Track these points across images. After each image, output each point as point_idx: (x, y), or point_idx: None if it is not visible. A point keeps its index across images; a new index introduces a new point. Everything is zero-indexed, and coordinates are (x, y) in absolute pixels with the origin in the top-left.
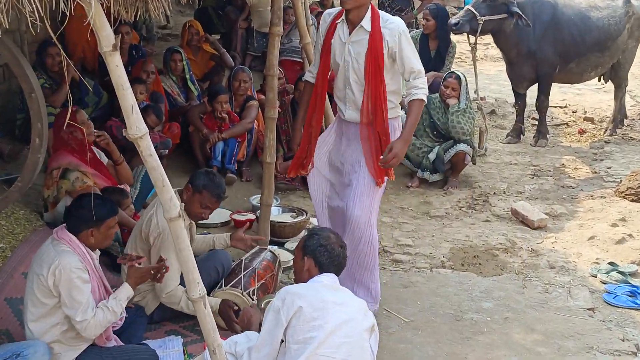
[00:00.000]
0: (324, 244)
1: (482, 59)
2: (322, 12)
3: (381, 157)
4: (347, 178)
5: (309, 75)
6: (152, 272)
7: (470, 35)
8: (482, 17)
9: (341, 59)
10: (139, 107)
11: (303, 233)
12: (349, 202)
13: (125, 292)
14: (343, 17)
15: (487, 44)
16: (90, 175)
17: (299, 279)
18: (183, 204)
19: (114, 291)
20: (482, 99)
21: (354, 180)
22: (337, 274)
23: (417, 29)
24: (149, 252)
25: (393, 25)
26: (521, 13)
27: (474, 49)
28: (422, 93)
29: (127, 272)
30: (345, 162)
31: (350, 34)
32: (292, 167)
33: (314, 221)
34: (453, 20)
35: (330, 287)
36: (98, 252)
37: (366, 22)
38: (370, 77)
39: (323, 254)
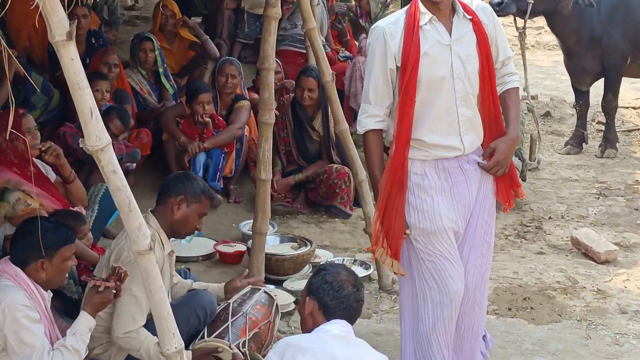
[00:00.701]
0: (329, 280)
1: (533, 47)
2: None
3: (482, 161)
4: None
5: (374, 121)
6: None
7: (517, 18)
8: None
9: (446, 71)
10: (100, 110)
11: (307, 269)
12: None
13: (85, 322)
14: (428, 14)
15: (539, 29)
16: (35, 196)
17: (303, 328)
18: (155, 233)
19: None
20: (533, 97)
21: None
22: (351, 321)
23: None
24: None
25: (479, 3)
26: None
27: (522, 35)
28: (517, 79)
29: (85, 297)
30: (462, 217)
31: (450, 32)
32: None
33: (320, 253)
34: None
35: (342, 339)
36: (50, 293)
37: (459, 8)
38: (485, 76)
39: (328, 293)
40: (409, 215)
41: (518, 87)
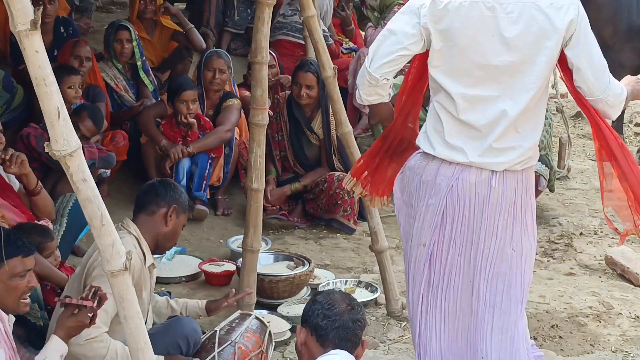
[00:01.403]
0: (320, 300)
1: None
2: None
3: None
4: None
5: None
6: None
7: None
8: None
9: (486, 36)
10: (70, 109)
11: (305, 292)
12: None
13: (56, 348)
14: None
15: None
16: None
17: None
18: (136, 243)
19: None
20: (562, 96)
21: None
22: (349, 346)
23: None
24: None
25: None
26: None
27: None
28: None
29: (59, 319)
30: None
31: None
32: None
33: (320, 274)
34: None
35: None
36: (12, 317)
37: None
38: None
39: (318, 313)
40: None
41: (625, 93)
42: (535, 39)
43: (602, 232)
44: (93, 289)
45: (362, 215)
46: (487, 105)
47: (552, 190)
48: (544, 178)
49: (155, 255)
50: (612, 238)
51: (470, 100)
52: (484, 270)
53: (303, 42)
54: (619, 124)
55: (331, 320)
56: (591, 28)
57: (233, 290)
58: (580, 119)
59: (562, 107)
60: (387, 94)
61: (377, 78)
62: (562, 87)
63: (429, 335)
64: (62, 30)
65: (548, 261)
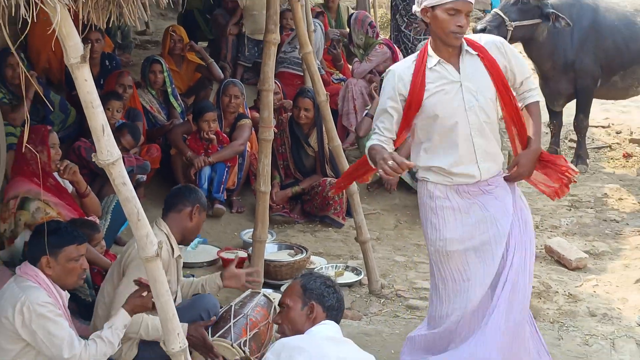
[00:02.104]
0: (312, 286)
1: None
2: (323, 13)
3: (507, 173)
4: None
5: (378, 141)
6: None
7: None
8: (512, 23)
9: (459, 105)
10: (113, 127)
11: None
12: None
13: (122, 319)
14: (436, 57)
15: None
16: (53, 205)
17: (294, 329)
18: (166, 238)
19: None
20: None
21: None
22: (337, 319)
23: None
24: None
25: (488, 38)
26: (558, 13)
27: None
28: (536, 94)
29: (128, 297)
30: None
31: (458, 69)
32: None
33: (315, 260)
34: (479, 26)
35: (332, 340)
36: (67, 294)
37: (466, 47)
38: (507, 103)
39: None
40: (430, 231)
41: (538, 101)
42: None
43: (542, 226)
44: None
45: (350, 213)
46: None
47: None
48: None
49: (181, 246)
50: (551, 231)
51: None
52: None
53: (301, 74)
54: (555, 139)
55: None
56: (534, 63)
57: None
58: None
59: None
60: None
61: None
62: None
63: None
64: (107, 64)
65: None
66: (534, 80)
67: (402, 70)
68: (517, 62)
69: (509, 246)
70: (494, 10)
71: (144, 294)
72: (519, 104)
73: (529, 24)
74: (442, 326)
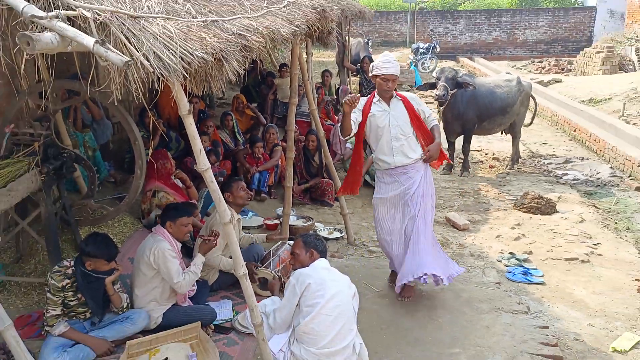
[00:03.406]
0: (307, 240)
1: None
2: (321, 86)
3: (424, 158)
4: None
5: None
6: (213, 241)
7: (440, 103)
8: (450, 91)
9: (386, 123)
10: (205, 150)
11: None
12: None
13: (200, 259)
14: (378, 97)
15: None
16: (171, 194)
17: (296, 265)
18: (232, 211)
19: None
20: None
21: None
22: (325, 257)
23: None
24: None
25: (409, 95)
26: (467, 81)
27: (440, 113)
28: (436, 121)
29: (199, 245)
30: (403, 197)
31: (389, 105)
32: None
33: (317, 225)
34: (438, 92)
35: (325, 269)
36: (180, 244)
37: (394, 95)
38: (416, 125)
39: (313, 244)
40: (374, 194)
41: (438, 124)
42: None
43: (444, 206)
44: (214, 231)
45: (337, 199)
46: None
47: None
48: None
49: (241, 215)
50: (448, 209)
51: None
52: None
53: (308, 121)
54: (450, 157)
55: (316, 244)
56: (440, 113)
57: (278, 230)
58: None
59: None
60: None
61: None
62: None
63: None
64: (201, 115)
65: None
66: (435, 116)
67: (362, 101)
68: (424, 107)
69: (417, 200)
70: (442, 83)
71: (207, 241)
72: (428, 126)
73: (454, 91)
74: (385, 246)
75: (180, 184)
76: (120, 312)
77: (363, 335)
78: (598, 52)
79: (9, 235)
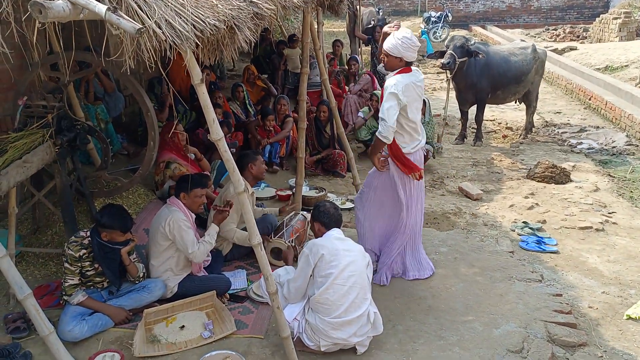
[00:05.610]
0: (322, 210)
1: (434, 90)
2: (333, 57)
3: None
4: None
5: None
6: (226, 212)
7: (448, 72)
8: (459, 60)
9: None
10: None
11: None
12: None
13: (214, 229)
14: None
15: (441, 79)
16: (184, 166)
17: (316, 236)
18: (247, 184)
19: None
20: (437, 115)
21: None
22: (339, 226)
23: None
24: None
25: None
26: (477, 50)
27: (449, 81)
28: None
29: (213, 216)
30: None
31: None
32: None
33: (330, 195)
34: (444, 60)
35: (339, 239)
36: (194, 215)
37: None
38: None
39: (325, 216)
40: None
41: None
42: None
43: (456, 176)
44: (227, 201)
45: (349, 169)
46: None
47: (434, 158)
48: (431, 152)
49: (255, 187)
50: (461, 179)
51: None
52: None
53: (319, 90)
54: (463, 127)
55: (330, 218)
56: (454, 82)
57: (290, 201)
58: (447, 126)
59: (444, 119)
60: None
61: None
62: (440, 112)
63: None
64: (212, 87)
65: (432, 189)
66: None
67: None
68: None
69: (406, 189)
70: (449, 51)
71: (220, 212)
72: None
73: (464, 59)
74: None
75: (192, 156)
76: (137, 282)
77: (377, 304)
78: (615, 18)
79: (26, 207)
